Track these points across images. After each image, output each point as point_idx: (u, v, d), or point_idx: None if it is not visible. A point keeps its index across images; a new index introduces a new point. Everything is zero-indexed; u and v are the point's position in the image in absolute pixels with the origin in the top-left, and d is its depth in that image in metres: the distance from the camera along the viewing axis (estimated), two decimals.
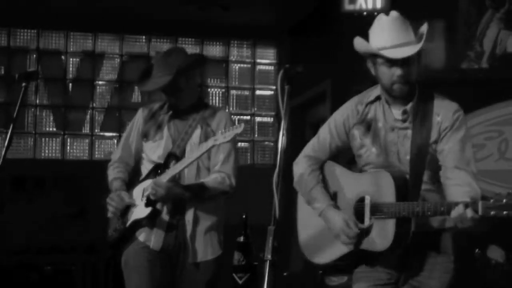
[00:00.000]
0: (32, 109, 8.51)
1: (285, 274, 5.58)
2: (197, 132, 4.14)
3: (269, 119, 9.25)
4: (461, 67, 6.52)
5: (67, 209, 8.02)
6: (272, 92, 9.16)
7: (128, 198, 4.15)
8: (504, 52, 6.44)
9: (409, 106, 3.29)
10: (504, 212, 2.81)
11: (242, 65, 9.21)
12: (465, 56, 6.55)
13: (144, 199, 4.08)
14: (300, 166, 3.55)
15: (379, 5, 6.31)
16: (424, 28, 3.30)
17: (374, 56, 3.25)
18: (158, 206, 4.07)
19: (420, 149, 3.24)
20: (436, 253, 3.31)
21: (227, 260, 3.67)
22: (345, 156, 3.63)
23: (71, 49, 8.72)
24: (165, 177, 3.98)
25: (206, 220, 4.14)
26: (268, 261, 2.71)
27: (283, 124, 2.91)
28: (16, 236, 6.81)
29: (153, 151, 4.20)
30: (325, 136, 3.54)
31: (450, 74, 6.52)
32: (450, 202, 3.00)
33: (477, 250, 5.26)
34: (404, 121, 3.30)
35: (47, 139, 8.59)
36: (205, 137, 4.08)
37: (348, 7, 6.43)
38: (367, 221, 3.23)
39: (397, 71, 3.19)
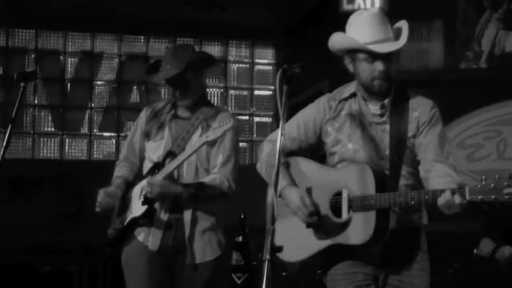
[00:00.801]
0: (31, 109, 8.51)
1: (283, 274, 5.57)
2: (198, 132, 4.11)
3: (268, 119, 9.25)
4: (459, 67, 6.54)
5: (65, 209, 8.01)
6: (270, 92, 9.16)
7: (119, 196, 4.16)
8: (502, 52, 6.45)
9: (386, 101, 3.30)
10: (492, 197, 2.80)
11: (240, 65, 9.22)
12: (464, 56, 6.56)
13: (142, 197, 4.06)
14: (264, 150, 3.53)
15: (377, 4, 6.32)
16: (402, 24, 3.31)
17: (354, 52, 3.27)
18: (156, 205, 4.05)
19: (399, 143, 3.26)
20: (416, 250, 3.31)
21: (225, 260, 3.66)
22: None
23: (70, 49, 8.72)
24: (160, 175, 3.97)
25: (205, 221, 4.11)
26: (267, 261, 2.71)
27: (281, 124, 2.91)
28: (14, 236, 6.79)
29: (154, 151, 4.19)
30: (291, 128, 3.51)
31: (449, 74, 6.54)
32: (435, 190, 2.99)
33: (475, 249, 5.26)
34: (382, 115, 3.31)
35: (45, 139, 8.58)
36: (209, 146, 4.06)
37: (346, 7, 6.44)
38: (344, 215, 3.20)
39: (379, 66, 3.20)
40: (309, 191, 3.35)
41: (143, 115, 4.36)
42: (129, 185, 4.27)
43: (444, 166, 3.18)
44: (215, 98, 9.03)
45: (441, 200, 2.92)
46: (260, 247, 2.75)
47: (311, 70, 3.29)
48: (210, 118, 4.15)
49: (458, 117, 6.55)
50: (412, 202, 3.04)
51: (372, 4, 6.34)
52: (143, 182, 4.12)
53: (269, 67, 9.27)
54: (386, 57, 3.21)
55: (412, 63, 6.70)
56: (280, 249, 2.75)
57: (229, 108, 8.99)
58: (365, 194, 3.15)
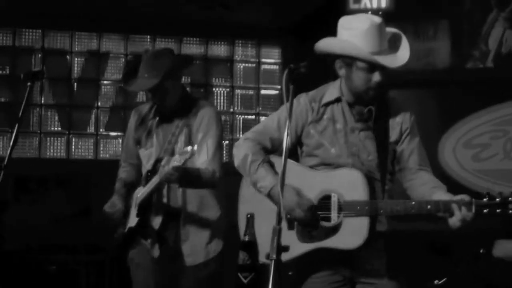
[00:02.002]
0: (37, 109, 8.52)
1: (290, 273, 5.57)
2: (182, 138, 4.17)
3: None
4: (466, 67, 6.53)
5: (71, 208, 8.03)
6: (277, 92, 9.15)
7: (120, 202, 4.29)
8: (509, 51, 6.44)
9: (372, 107, 3.30)
10: (498, 211, 2.92)
11: (247, 64, 9.21)
12: (470, 55, 6.55)
13: (136, 208, 4.19)
14: (243, 148, 3.44)
15: (384, 4, 6.31)
16: (399, 34, 3.31)
17: (351, 59, 3.23)
18: (154, 221, 4.15)
19: (384, 148, 3.28)
20: (382, 254, 3.32)
21: (231, 260, 3.67)
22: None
23: (76, 49, 8.72)
24: (141, 193, 4.14)
25: (198, 223, 4.18)
26: (273, 261, 2.71)
27: (287, 124, 2.91)
28: (20, 235, 6.81)
29: (147, 160, 4.27)
30: (271, 126, 3.47)
31: (455, 74, 6.52)
32: (437, 201, 3.04)
33: (482, 249, 5.25)
34: (366, 121, 3.30)
35: (52, 138, 8.59)
36: (187, 142, 4.11)
37: (353, 6, 6.44)
38: (334, 219, 3.20)
39: (376, 77, 3.19)
40: None
41: (132, 121, 4.44)
42: (131, 185, 4.39)
43: (426, 173, 3.27)
44: (222, 97, 9.03)
45: (457, 217, 2.99)
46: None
47: (317, 69, 3.28)
48: (191, 119, 4.18)
49: (465, 117, 6.54)
50: (412, 211, 3.07)
51: (379, 4, 6.34)
52: (138, 190, 4.24)
53: (276, 67, 9.26)
54: (383, 69, 3.19)
55: (418, 62, 6.69)
56: (286, 248, 2.75)
57: (235, 108, 9.00)
58: (357, 199, 3.15)
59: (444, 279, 5.37)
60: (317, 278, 3.35)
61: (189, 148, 3.74)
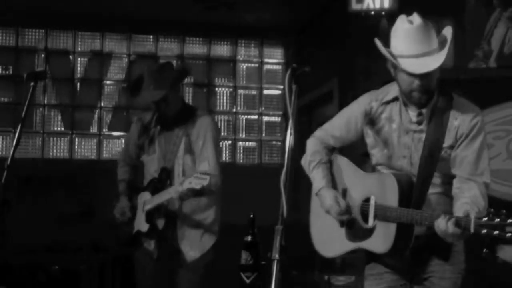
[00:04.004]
0: (40, 109, 8.53)
1: (293, 273, 5.58)
2: (182, 146, 4.43)
3: (277, 119, 9.24)
4: (469, 67, 6.51)
5: (74, 208, 8.03)
6: (279, 92, 9.16)
7: (129, 209, 4.59)
8: None
9: (425, 109, 3.22)
10: (495, 232, 2.72)
11: (249, 64, 9.21)
12: (473, 55, 6.53)
13: (144, 214, 4.43)
14: (308, 147, 3.58)
15: (386, 4, 6.30)
16: (447, 32, 3.22)
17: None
18: (158, 223, 4.40)
19: (432, 153, 3.17)
20: (446, 254, 3.27)
21: (234, 260, 3.68)
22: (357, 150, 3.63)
23: (79, 49, 8.74)
24: (149, 201, 4.41)
25: (192, 223, 4.42)
26: (276, 261, 2.71)
27: (290, 124, 2.91)
28: (23, 235, 6.81)
29: (150, 165, 4.55)
30: (337, 124, 3.53)
31: (458, 74, 6.51)
32: (451, 218, 2.89)
33: (485, 250, 5.24)
34: (419, 123, 3.23)
35: (55, 138, 8.60)
36: (187, 150, 4.41)
37: (355, 6, 6.42)
38: (371, 222, 3.23)
39: (416, 81, 3.11)
40: (344, 192, 3.42)
41: (135, 128, 4.71)
42: (133, 185, 4.69)
43: (474, 187, 3.09)
44: (224, 97, 9.03)
45: (440, 228, 2.90)
46: (269, 246, 2.77)
47: (321, 69, 3.28)
48: (189, 127, 4.44)
49: None
50: (426, 223, 2.99)
51: (381, 4, 6.32)
52: (143, 196, 4.51)
53: (278, 67, 9.26)
54: (424, 73, 3.09)
55: None
56: (285, 248, 2.77)
57: (238, 108, 9.01)
58: (387, 204, 3.15)
59: None
60: (371, 270, 3.39)
61: (206, 176, 3.94)
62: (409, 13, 3.30)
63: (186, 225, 4.40)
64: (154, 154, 4.52)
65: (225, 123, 8.99)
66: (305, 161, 3.56)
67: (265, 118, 9.19)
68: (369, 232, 3.23)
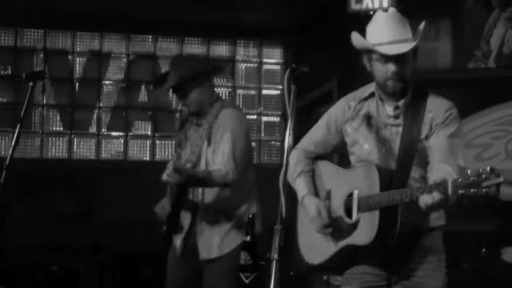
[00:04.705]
0: (39, 109, 8.53)
1: (291, 273, 5.57)
2: (205, 140, 4.31)
3: (276, 119, 9.25)
4: (468, 67, 6.52)
5: (73, 208, 8.04)
6: (278, 92, 9.16)
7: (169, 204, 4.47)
8: (511, 51, 6.43)
9: (401, 102, 3.29)
10: (472, 190, 2.68)
11: (248, 64, 9.22)
12: (472, 55, 6.54)
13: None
14: (290, 159, 3.53)
15: (385, 4, 6.30)
16: (421, 26, 3.30)
17: (370, 51, 3.26)
18: (182, 215, 4.32)
19: (409, 145, 3.23)
20: (429, 252, 3.29)
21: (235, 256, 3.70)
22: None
23: (78, 49, 8.73)
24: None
25: (213, 217, 4.26)
26: (274, 261, 2.71)
27: (289, 124, 2.91)
28: (23, 235, 6.81)
29: (183, 160, 4.42)
30: (316, 130, 3.58)
31: (457, 74, 6.51)
32: (424, 186, 2.92)
33: (483, 250, 5.25)
34: (396, 117, 3.30)
35: (54, 138, 8.60)
36: (209, 142, 4.27)
37: (354, 6, 6.42)
38: (354, 216, 3.21)
39: (391, 67, 3.20)
40: (328, 194, 3.40)
41: (177, 124, 4.76)
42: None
43: (447, 166, 3.11)
44: (223, 97, 8.99)
45: (423, 201, 2.88)
46: (269, 247, 2.77)
47: (320, 69, 3.30)
48: (214, 120, 4.31)
49: (466, 117, 6.54)
50: (406, 200, 2.97)
51: (381, 4, 6.33)
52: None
53: (277, 67, 9.26)
54: (398, 59, 3.19)
55: (420, 62, 6.68)
56: (284, 249, 2.76)
57: None
58: (371, 193, 3.15)
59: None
60: (352, 270, 3.38)
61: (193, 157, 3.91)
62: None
63: (205, 220, 4.25)
64: (186, 150, 4.42)
65: None
66: (289, 173, 3.50)
67: (264, 118, 9.20)
68: (353, 228, 3.22)
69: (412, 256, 3.28)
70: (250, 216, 3.29)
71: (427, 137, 3.24)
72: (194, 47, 9.01)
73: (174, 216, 4.32)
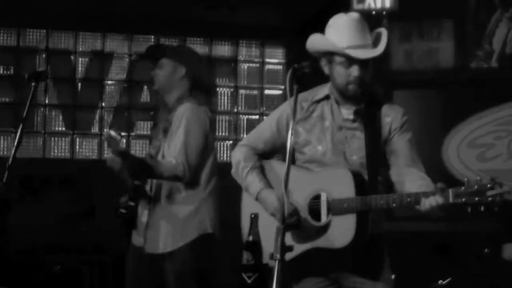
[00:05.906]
0: (42, 109, 8.53)
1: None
2: (162, 132, 4.35)
3: None
4: (470, 67, 6.52)
5: (75, 208, 8.03)
6: (280, 92, 9.15)
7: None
8: None
9: (360, 107, 3.32)
10: (476, 199, 2.78)
11: (250, 64, 9.21)
12: (475, 55, 6.54)
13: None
14: (237, 155, 3.55)
15: (388, 4, 6.30)
16: (381, 31, 3.33)
17: (332, 54, 3.27)
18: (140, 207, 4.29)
19: (374, 149, 3.27)
20: (383, 258, 3.34)
21: (235, 260, 3.68)
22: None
23: (80, 49, 8.73)
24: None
25: (164, 214, 4.24)
26: (277, 261, 2.71)
27: (291, 124, 2.92)
28: (24, 235, 6.82)
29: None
30: (265, 128, 3.56)
31: (460, 74, 6.52)
32: (418, 192, 3.00)
33: (486, 249, 5.25)
34: (354, 121, 3.33)
35: (56, 138, 8.60)
36: (166, 135, 4.30)
37: (357, 6, 6.43)
38: (324, 218, 3.20)
39: (354, 72, 3.22)
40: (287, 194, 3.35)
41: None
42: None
43: (415, 170, 3.22)
44: (225, 97, 9.03)
45: (425, 204, 2.94)
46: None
47: (321, 70, 3.31)
48: (173, 114, 4.33)
49: (469, 117, 6.54)
50: (394, 205, 3.04)
51: (383, 4, 6.33)
52: None
53: (280, 67, 9.26)
54: (362, 63, 3.22)
55: (423, 63, 6.69)
56: (290, 248, 2.76)
57: (239, 108, 9.01)
58: (344, 197, 3.15)
59: (449, 279, 5.38)
60: (307, 283, 3.37)
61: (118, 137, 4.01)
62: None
63: (157, 214, 4.24)
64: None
65: (226, 123, 8.99)
66: (236, 169, 3.52)
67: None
68: (322, 230, 3.20)
69: (370, 260, 3.29)
70: (253, 215, 3.28)
71: (386, 141, 3.30)
72: (196, 47, 8.98)
73: (132, 208, 4.27)
